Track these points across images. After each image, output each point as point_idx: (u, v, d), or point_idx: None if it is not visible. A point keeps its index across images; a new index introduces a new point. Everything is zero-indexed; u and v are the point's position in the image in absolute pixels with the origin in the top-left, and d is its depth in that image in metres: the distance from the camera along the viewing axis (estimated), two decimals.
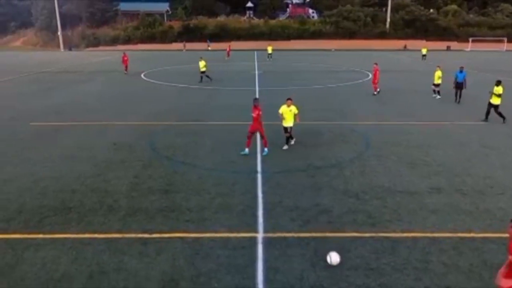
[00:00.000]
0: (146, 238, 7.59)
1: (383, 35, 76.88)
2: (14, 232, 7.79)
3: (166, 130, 15.70)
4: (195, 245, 7.39)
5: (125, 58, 35.80)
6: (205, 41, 71.99)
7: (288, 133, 13.10)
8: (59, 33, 76.20)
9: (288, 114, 12.76)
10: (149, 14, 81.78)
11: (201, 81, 28.76)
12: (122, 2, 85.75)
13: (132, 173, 10.93)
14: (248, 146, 12.47)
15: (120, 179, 10.51)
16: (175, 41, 76.22)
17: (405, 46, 72.04)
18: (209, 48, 69.28)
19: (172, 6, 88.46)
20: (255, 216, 8.51)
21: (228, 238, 7.60)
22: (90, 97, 23.45)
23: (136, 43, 76.86)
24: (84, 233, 7.77)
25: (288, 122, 12.85)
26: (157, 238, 7.61)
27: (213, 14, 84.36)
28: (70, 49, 74.13)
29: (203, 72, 29.11)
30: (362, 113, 18.60)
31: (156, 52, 64.87)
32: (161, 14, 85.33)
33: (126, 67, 35.44)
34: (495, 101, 16.41)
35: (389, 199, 9.34)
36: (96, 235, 7.68)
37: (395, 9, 78.84)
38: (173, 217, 8.47)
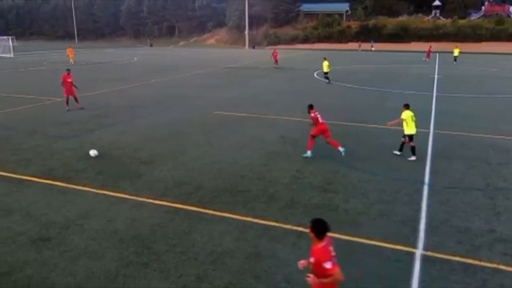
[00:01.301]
0: (301, 232, 7.80)
1: None
2: (192, 205, 8.94)
3: (331, 129, 15.74)
4: (347, 247, 7.28)
5: (275, 54, 40.93)
6: (369, 41, 69.91)
7: (404, 140, 12.22)
8: (246, 32, 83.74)
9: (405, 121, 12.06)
10: (329, 15, 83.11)
11: (329, 82, 28.45)
12: (304, 3, 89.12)
13: (295, 167, 11.35)
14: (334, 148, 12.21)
15: (283, 171, 11.04)
16: (351, 40, 75.70)
17: None
18: (373, 49, 67.04)
19: (352, 6, 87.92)
20: (416, 230, 7.90)
21: (383, 248, 7.25)
22: (265, 91, 25.15)
23: (313, 42, 79.04)
24: (247, 216, 8.43)
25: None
26: None
27: (394, 13, 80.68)
28: (253, 47, 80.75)
29: (326, 73, 28.86)
30: None
31: (331, 52, 65.50)
32: (340, 14, 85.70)
33: (276, 61, 40.23)
34: None
35: None
36: (256, 220, 8.26)
37: None
38: (329, 216, 8.49)
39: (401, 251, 7.17)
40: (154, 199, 9.26)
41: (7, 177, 10.56)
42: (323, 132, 12.21)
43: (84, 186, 9.97)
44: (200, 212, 8.62)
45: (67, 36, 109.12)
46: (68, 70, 19.79)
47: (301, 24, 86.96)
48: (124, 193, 9.56)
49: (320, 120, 12.18)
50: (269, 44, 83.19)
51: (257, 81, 30.61)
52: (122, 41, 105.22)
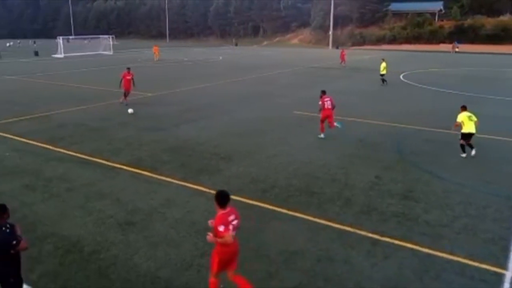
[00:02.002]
0: (376, 240, 7.51)
1: None
2: (266, 203, 9.04)
3: (415, 134, 14.97)
4: (426, 261, 6.86)
5: (343, 54, 42.94)
6: (452, 42, 65.59)
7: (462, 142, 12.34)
8: (330, 32, 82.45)
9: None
10: (419, 14, 78.71)
11: (383, 83, 27.75)
12: (393, 2, 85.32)
13: (373, 172, 10.95)
14: (322, 131, 14.37)
15: (361, 175, 10.71)
16: (443, 42, 70.94)
17: None
18: (457, 50, 63.22)
19: (447, 5, 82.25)
20: (506, 249, 7.20)
21: (466, 265, 6.72)
22: (346, 93, 24.57)
23: (401, 43, 75.47)
24: (320, 218, 8.32)
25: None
26: (387, 242, 7.44)
27: (494, 12, 73.98)
28: (337, 47, 79.18)
29: (382, 75, 28.00)
30: None
31: (421, 53, 62.07)
32: (433, 14, 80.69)
33: (343, 61, 41.96)
34: None
35: None
36: (330, 223, 8.11)
37: None
38: (408, 225, 8.08)
39: (488, 271, 6.58)
40: (231, 194, 9.49)
41: (102, 164, 11.56)
42: (327, 117, 14.05)
43: (167, 176, 10.56)
44: (274, 210, 8.68)
45: (160, 35, 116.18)
46: (128, 68, 20.88)
47: (389, 24, 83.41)
48: (203, 186, 9.96)
49: (325, 106, 13.91)
50: (353, 44, 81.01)
51: (339, 81, 30.01)
52: (209, 40, 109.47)
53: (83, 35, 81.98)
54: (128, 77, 20.39)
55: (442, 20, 78.99)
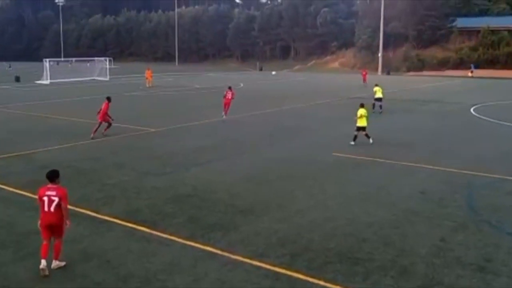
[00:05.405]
0: None
1: None
2: (297, 271, 8.80)
3: (493, 185, 14.59)
4: None
5: (364, 73, 56.35)
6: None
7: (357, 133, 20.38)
8: (379, 54, 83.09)
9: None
10: (494, 31, 78.78)
11: (373, 109, 30.05)
12: (460, 17, 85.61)
13: (439, 234, 10.65)
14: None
15: (421, 238, 10.42)
16: None
17: None
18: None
19: None
20: None
21: None
22: (401, 129, 24.44)
23: (470, 68, 75.41)
24: None
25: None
26: None
27: None
28: (388, 73, 79.68)
29: (377, 99, 31.41)
30: None
31: (498, 81, 61.72)
32: (511, 31, 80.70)
33: (364, 80, 54.18)
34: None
35: None
36: None
37: None
38: None
39: None
40: (251, 258, 9.37)
41: (90, 216, 11.67)
42: (226, 104, 26.84)
43: (170, 234, 10.53)
44: (307, 281, 8.47)
45: (167, 57, 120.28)
46: (108, 98, 22.79)
47: (454, 44, 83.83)
48: (215, 247, 9.85)
49: (227, 96, 26.94)
50: (409, 69, 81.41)
51: (392, 116, 29.93)
52: (227, 64, 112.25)
53: (74, 57, 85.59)
54: (104, 107, 22.15)
55: None
